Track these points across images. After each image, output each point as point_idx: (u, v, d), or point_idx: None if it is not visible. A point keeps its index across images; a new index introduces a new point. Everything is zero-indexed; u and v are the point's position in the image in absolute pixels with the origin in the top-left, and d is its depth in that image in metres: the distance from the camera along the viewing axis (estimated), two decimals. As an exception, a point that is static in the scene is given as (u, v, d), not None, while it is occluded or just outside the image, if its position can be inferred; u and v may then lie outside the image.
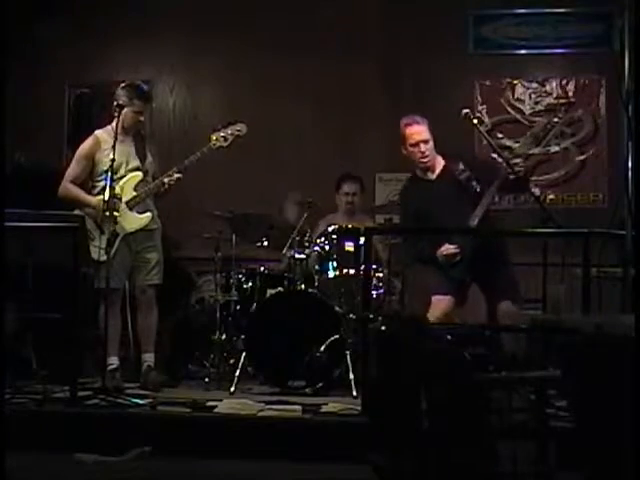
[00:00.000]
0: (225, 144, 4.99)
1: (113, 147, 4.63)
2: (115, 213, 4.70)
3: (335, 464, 3.62)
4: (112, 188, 4.66)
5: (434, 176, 4.83)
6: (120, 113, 4.85)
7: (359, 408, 4.06)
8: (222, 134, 5.00)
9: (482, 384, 2.83)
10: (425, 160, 4.77)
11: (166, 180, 4.90)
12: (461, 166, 4.70)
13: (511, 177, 4.56)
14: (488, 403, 2.81)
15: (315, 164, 6.61)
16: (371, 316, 4.50)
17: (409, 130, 4.76)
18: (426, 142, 4.74)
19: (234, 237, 5.42)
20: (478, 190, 4.67)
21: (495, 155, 5.08)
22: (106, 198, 4.62)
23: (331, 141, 6.78)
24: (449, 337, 3.11)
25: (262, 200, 6.02)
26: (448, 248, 4.63)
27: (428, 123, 4.79)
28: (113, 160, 4.61)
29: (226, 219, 5.42)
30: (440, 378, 2.87)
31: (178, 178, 4.90)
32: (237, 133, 5.02)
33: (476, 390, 2.81)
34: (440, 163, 4.82)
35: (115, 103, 4.90)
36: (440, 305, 4.63)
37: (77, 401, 4.19)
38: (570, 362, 2.40)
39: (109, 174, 4.65)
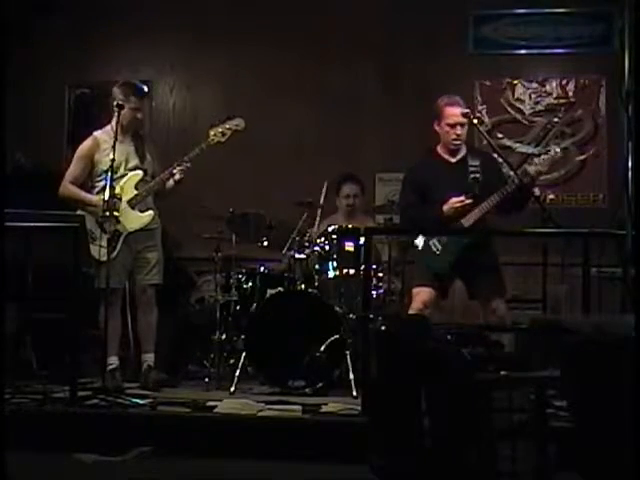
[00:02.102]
0: (223, 139, 4.97)
1: (113, 147, 4.63)
2: (115, 213, 4.70)
3: (335, 464, 3.61)
4: (112, 188, 4.66)
5: (454, 160, 4.80)
6: (119, 113, 4.85)
7: (359, 408, 4.06)
8: (220, 129, 4.97)
9: (482, 384, 2.83)
10: (458, 142, 4.76)
11: (176, 171, 4.87)
12: (476, 162, 4.69)
13: (514, 186, 4.53)
14: (488, 403, 2.81)
15: (315, 164, 6.60)
16: (371, 316, 4.51)
17: (450, 110, 4.71)
18: (463, 125, 4.73)
19: (234, 237, 5.41)
20: (478, 193, 4.68)
21: (495, 155, 5.07)
22: (106, 198, 4.63)
23: (331, 141, 6.78)
24: (449, 337, 3.11)
25: (262, 200, 6.01)
26: (458, 199, 4.57)
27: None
28: (113, 160, 4.61)
29: (226, 219, 5.41)
30: (440, 378, 2.87)
31: (187, 167, 4.88)
32: (235, 128, 5.00)
33: (476, 390, 2.81)
34: (463, 150, 4.81)
35: (114, 103, 4.90)
36: (420, 296, 4.66)
37: (77, 401, 4.18)
38: (570, 362, 2.40)
39: (109, 174, 4.65)
